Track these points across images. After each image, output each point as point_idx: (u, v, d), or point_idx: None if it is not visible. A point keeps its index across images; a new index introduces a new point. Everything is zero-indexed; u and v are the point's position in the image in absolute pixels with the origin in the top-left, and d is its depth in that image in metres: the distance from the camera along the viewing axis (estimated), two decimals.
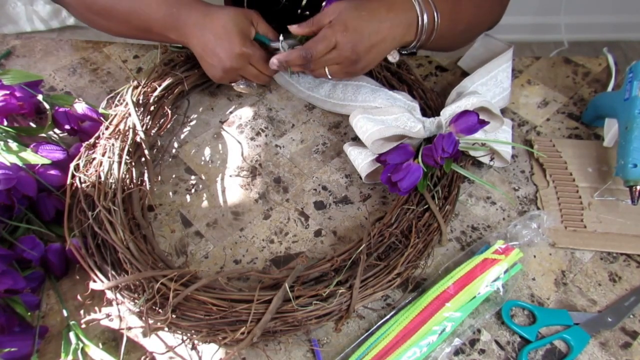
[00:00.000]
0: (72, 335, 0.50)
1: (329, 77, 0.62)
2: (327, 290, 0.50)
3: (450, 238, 0.60)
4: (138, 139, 0.61)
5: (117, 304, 0.51)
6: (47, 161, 0.58)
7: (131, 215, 0.56)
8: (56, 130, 0.67)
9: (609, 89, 0.75)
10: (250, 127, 0.72)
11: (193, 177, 0.66)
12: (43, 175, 0.58)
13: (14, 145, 0.58)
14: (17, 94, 0.63)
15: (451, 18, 0.63)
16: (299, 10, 0.78)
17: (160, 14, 0.62)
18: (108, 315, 0.53)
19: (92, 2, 0.64)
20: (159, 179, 0.65)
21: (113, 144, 0.60)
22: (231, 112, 0.73)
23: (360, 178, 0.64)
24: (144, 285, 0.50)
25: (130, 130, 0.61)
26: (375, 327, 0.52)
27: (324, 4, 0.63)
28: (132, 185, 0.58)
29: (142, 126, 0.62)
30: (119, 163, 0.58)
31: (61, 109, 0.64)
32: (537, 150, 0.68)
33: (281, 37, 0.64)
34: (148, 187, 0.58)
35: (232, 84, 0.69)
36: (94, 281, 0.51)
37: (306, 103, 0.75)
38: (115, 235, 0.52)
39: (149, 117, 0.65)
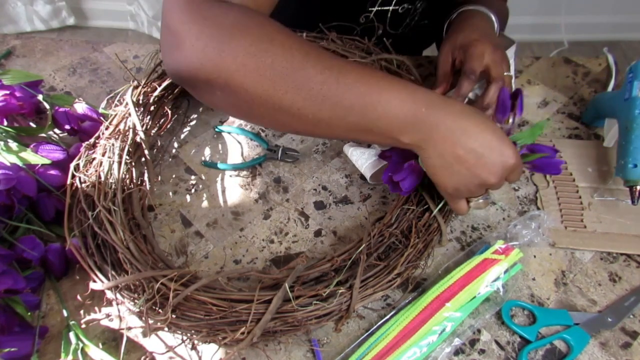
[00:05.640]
0: (72, 335, 0.50)
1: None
2: (327, 290, 0.49)
3: (450, 238, 0.60)
4: (138, 139, 0.61)
5: (117, 304, 0.51)
6: (47, 161, 0.58)
7: (131, 215, 0.56)
8: (56, 130, 0.67)
9: (609, 89, 0.75)
10: (250, 127, 0.72)
11: (193, 177, 0.66)
12: (43, 175, 0.58)
13: (14, 145, 0.58)
14: (17, 94, 0.63)
15: None
16: (386, 27, 0.78)
17: (401, 113, 0.47)
18: (108, 315, 0.53)
19: (292, 101, 0.46)
20: (159, 179, 0.65)
21: (113, 144, 0.60)
22: None
23: (361, 178, 0.64)
24: (144, 285, 0.49)
25: (130, 130, 0.61)
26: (375, 327, 0.52)
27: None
28: (132, 185, 0.58)
29: (142, 126, 0.62)
30: (119, 163, 0.58)
31: (61, 109, 0.64)
32: None
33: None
34: (148, 187, 0.58)
35: (471, 200, 0.55)
36: (94, 281, 0.51)
37: None
38: (115, 235, 0.52)
39: (149, 117, 0.65)
